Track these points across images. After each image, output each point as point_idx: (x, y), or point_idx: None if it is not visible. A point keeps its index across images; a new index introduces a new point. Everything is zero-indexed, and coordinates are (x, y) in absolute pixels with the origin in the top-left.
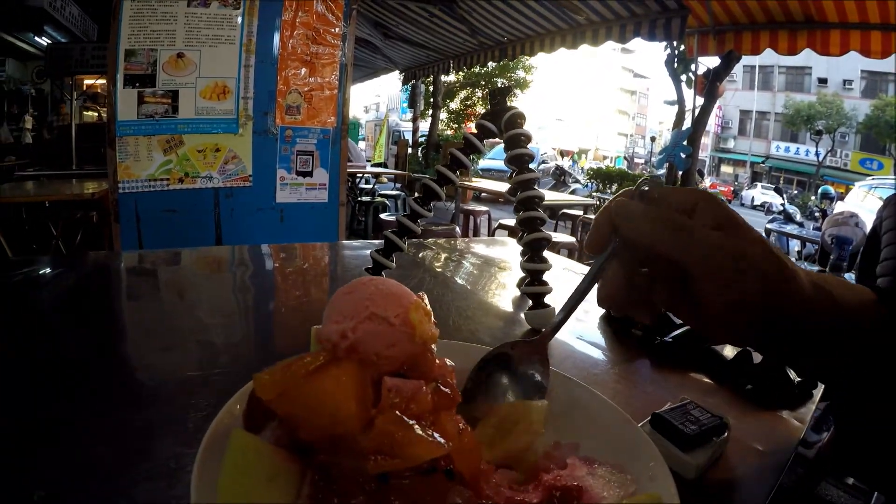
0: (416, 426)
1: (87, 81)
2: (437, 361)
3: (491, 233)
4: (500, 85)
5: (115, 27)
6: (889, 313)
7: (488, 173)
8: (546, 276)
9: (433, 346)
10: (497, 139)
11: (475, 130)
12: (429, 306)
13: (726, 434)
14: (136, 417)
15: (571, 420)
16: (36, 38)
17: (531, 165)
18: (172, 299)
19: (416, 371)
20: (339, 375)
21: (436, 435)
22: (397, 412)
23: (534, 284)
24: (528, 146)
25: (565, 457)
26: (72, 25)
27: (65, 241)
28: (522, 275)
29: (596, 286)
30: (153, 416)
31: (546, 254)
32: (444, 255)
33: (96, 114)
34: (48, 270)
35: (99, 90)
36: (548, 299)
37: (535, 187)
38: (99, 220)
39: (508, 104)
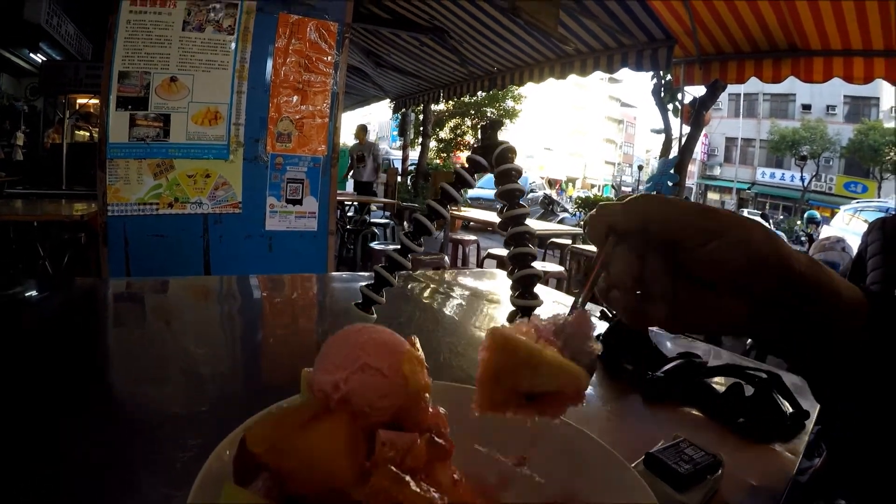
0: (411, 482)
1: (81, 101)
2: (431, 410)
3: (480, 262)
4: (489, 114)
5: (110, 48)
6: (876, 314)
7: (477, 202)
8: (537, 312)
9: (426, 394)
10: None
11: (466, 164)
12: (421, 351)
13: (720, 471)
14: (122, 456)
15: (566, 463)
16: (31, 55)
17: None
18: (160, 331)
19: (409, 420)
20: (331, 429)
21: (431, 489)
22: (392, 467)
23: None
24: (519, 184)
25: None
26: (67, 44)
27: (52, 261)
28: (513, 308)
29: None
30: (140, 455)
31: (537, 287)
32: (433, 288)
33: (88, 133)
34: (33, 294)
35: (92, 110)
36: None
37: (525, 223)
38: (87, 241)
39: (498, 138)
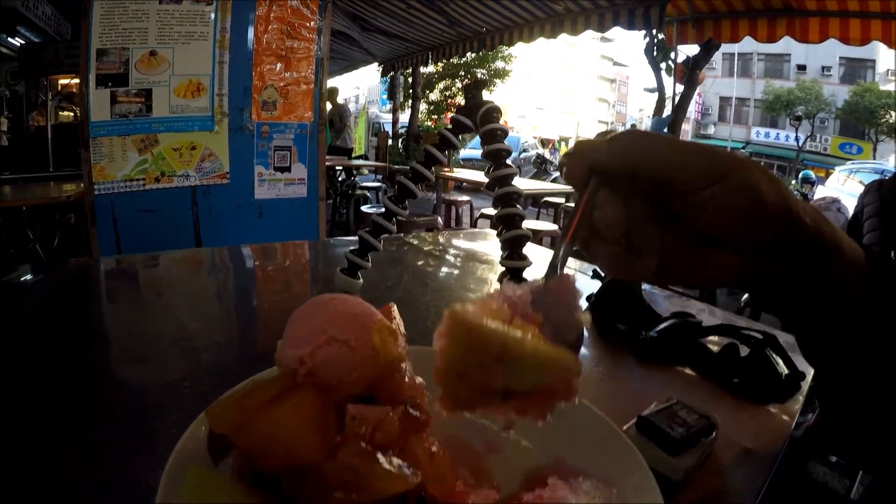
0: (382, 458)
1: (62, 81)
2: (407, 380)
3: (473, 222)
4: (479, 76)
5: (86, 26)
6: (875, 276)
7: (469, 163)
8: (527, 273)
9: (403, 364)
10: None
11: (450, 125)
12: (398, 319)
13: (714, 434)
14: (109, 436)
15: (555, 428)
16: (9, 39)
17: (510, 157)
18: (151, 307)
19: (384, 393)
20: (296, 405)
21: (403, 465)
22: (361, 443)
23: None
24: (508, 136)
25: (549, 471)
26: (45, 25)
27: (42, 244)
28: (502, 269)
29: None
30: (126, 435)
31: (528, 246)
32: (423, 251)
33: (72, 114)
34: (26, 278)
35: (74, 90)
36: None
37: (513, 182)
38: (77, 222)
39: (484, 98)
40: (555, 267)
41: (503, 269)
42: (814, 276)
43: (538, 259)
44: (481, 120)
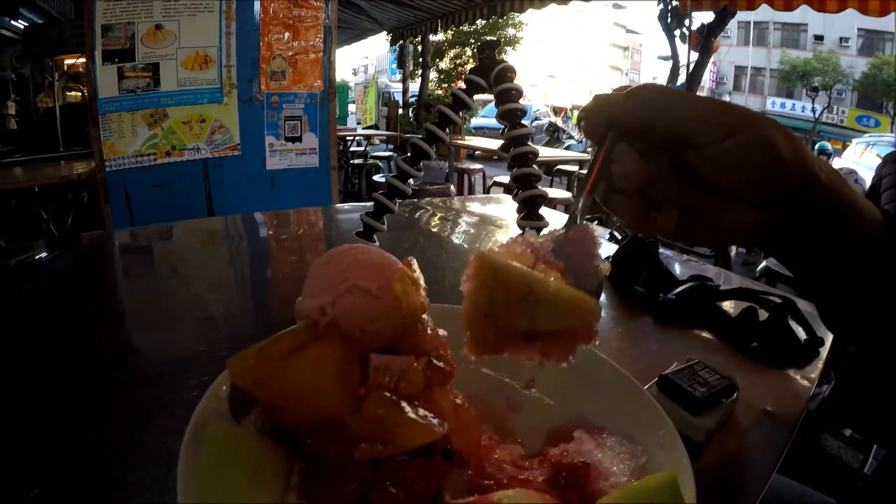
0: (407, 407)
1: (68, 61)
2: (430, 332)
3: (486, 191)
4: (486, 40)
5: (90, 3)
6: (892, 243)
7: (481, 131)
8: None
9: (424, 316)
10: (488, 95)
11: (464, 86)
12: (418, 272)
13: (735, 395)
14: (130, 401)
15: (577, 385)
16: (13, 22)
17: (524, 121)
18: (166, 276)
19: (406, 344)
20: (319, 356)
21: (429, 416)
22: (386, 393)
23: None
24: (520, 101)
25: (572, 427)
26: (48, 6)
27: (56, 224)
28: (518, 231)
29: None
30: (147, 399)
31: (542, 211)
32: (438, 215)
33: (80, 93)
34: (41, 256)
35: (81, 69)
36: None
37: (529, 142)
38: (89, 200)
39: (498, 58)
40: (575, 217)
41: (519, 230)
42: (831, 236)
43: (555, 223)
44: (495, 79)
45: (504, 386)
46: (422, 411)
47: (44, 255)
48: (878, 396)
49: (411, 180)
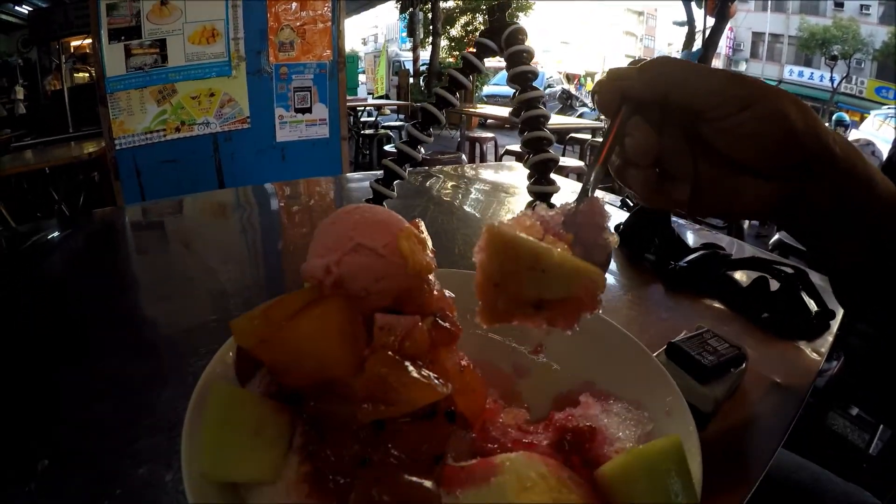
0: (411, 367)
1: (75, 43)
2: (436, 293)
3: (498, 159)
4: (497, 1)
5: None
6: None
7: (493, 99)
8: (554, 200)
9: (430, 276)
10: (499, 60)
11: (474, 49)
12: (425, 233)
13: (744, 365)
14: (143, 370)
15: (585, 351)
16: (17, 8)
17: (535, 84)
18: (178, 249)
19: (412, 305)
20: (323, 315)
21: (433, 376)
22: (390, 352)
23: None
24: (532, 64)
25: (578, 392)
26: None
27: (68, 204)
28: (531, 199)
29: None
30: (156, 369)
31: (553, 177)
32: (449, 183)
33: (88, 74)
34: (55, 235)
35: (88, 50)
36: None
37: (540, 106)
38: (101, 179)
39: (509, 20)
40: (586, 191)
41: (530, 197)
42: (845, 209)
43: (566, 190)
44: (506, 41)
45: (512, 351)
46: (425, 371)
47: (56, 234)
48: (890, 376)
49: (421, 147)
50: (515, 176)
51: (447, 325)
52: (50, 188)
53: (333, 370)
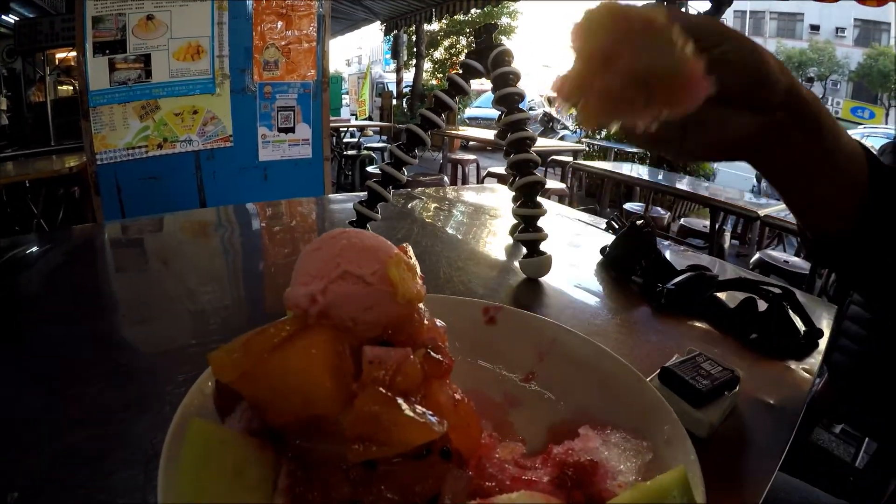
0: (405, 404)
1: (60, 55)
2: (426, 322)
3: (480, 181)
4: (482, 24)
5: None
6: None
7: (475, 121)
8: (540, 223)
9: (420, 305)
10: (481, 83)
11: (460, 70)
12: (413, 259)
13: (738, 388)
14: (117, 397)
15: (577, 378)
16: (3, 17)
17: (522, 103)
18: (157, 268)
19: (402, 335)
20: (308, 347)
21: (428, 413)
22: (380, 388)
23: (528, 231)
24: (519, 88)
25: (574, 422)
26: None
27: (47, 218)
28: (515, 222)
29: None
30: (132, 396)
31: (538, 199)
32: (433, 205)
33: (71, 87)
34: (32, 250)
35: (72, 63)
36: (543, 246)
37: (526, 128)
38: (81, 194)
39: (495, 42)
40: None
41: (515, 219)
42: (818, 147)
43: (550, 210)
44: (493, 63)
45: (502, 379)
46: (420, 408)
47: (34, 249)
48: (873, 389)
49: (405, 169)
50: (498, 198)
51: (440, 356)
52: (29, 202)
53: (320, 406)
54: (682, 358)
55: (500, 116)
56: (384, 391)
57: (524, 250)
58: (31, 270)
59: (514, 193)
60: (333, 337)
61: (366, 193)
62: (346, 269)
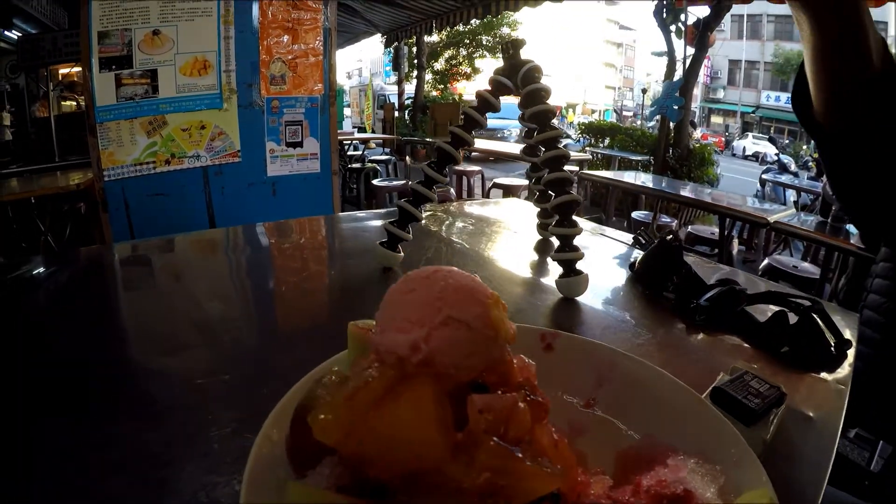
0: (522, 455)
1: (63, 71)
2: (516, 362)
3: (485, 193)
4: (485, 42)
5: (86, 9)
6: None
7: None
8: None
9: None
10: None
11: (489, 87)
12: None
13: (784, 404)
14: (150, 438)
15: (638, 402)
16: (6, 33)
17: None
18: (171, 293)
19: (495, 376)
20: (416, 400)
21: (546, 461)
22: (495, 439)
23: (564, 251)
24: (511, 105)
25: (640, 447)
26: (41, 15)
27: (54, 235)
28: (538, 237)
29: None
30: (170, 436)
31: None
32: (454, 221)
33: (75, 103)
34: (39, 271)
35: (76, 78)
36: (579, 265)
37: (560, 146)
38: (87, 210)
39: (523, 59)
40: None
41: (540, 237)
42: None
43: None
44: (523, 80)
45: (563, 406)
46: (543, 459)
47: (41, 270)
48: (888, 392)
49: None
50: (513, 212)
51: (538, 397)
52: (36, 219)
53: (429, 458)
54: (730, 377)
55: (529, 132)
56: (499, 442)
57: (550, 266)
58: (39, 294)
59: (538, 209)
60: (437, 386)
61: (378, 212)
62: (450, 315)
